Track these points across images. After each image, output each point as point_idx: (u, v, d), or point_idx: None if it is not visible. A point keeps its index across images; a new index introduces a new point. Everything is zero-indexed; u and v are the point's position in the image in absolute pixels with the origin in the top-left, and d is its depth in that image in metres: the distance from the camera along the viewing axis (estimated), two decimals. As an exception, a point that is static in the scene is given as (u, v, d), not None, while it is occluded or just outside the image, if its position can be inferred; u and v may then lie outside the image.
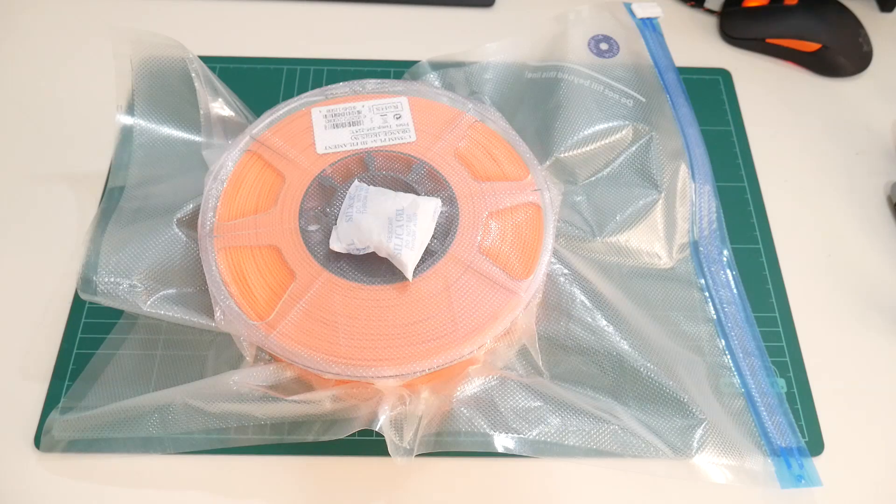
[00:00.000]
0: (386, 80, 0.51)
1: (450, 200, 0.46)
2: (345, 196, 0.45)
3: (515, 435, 0.43)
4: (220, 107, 0.51)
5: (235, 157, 0.48)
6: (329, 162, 0.47)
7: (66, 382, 0.46)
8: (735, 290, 0.49)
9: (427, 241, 0.44)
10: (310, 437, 0.43)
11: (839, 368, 0.48)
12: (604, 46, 0.56)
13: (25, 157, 0.55)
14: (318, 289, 0.43)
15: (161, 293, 0.44)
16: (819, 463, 0.45)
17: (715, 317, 0.48)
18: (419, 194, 0.46)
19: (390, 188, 0.46)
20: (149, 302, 0.44)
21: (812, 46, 0.61)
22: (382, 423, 0.41)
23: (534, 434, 0.43)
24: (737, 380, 0.46)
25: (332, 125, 0.49)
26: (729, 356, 0.47)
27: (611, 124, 0.52)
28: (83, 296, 0.44)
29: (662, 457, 0.43)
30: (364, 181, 0.47)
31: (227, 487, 0.43)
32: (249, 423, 0.44)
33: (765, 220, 0.54)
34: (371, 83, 0.51)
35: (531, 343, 0.44)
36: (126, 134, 0.50)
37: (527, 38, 0.57)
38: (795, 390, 0.47)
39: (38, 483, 0.43)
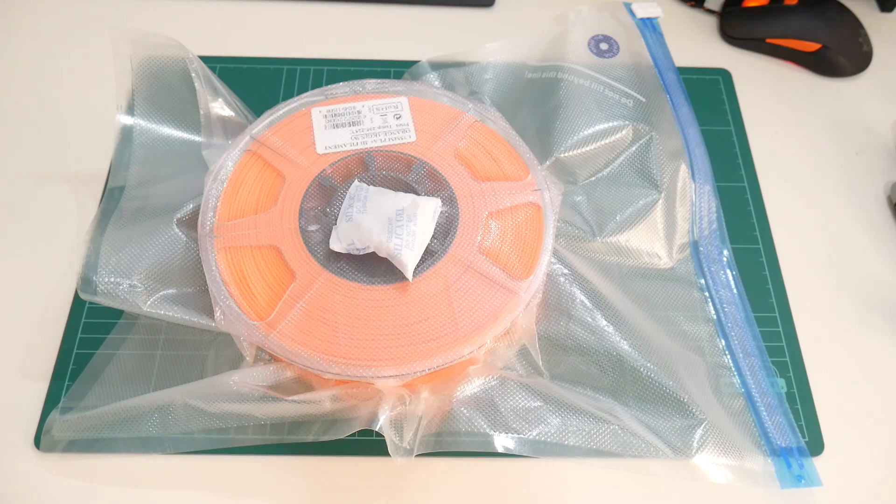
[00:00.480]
0: (386, 80, 0.51)
1: (450, 200, 0.46)
2: (345, 196, 0.45)
3: (515, 435, 0.43)
4: (220, 107, 0.51)
5: (235, 157, 0.48)
6: (329, 162, 0.47)
7: (66, 382, 0.46)
8: (735, 290, 0.49)
9: (427, 241, 0.44)
10: (310, 437, 0.43)
11: (839, 368, 0.48)
12: (604, 46, 0.56)
13: (25, 157, 0.55)
14: (318, 289, 0.43)
15: (161, 293, 0.44)
16: (819, 463, 0.45)
17: (715, 317, 0.48)
18: (419, 194, 0.46)
19: (390, 188, 0.46)
20: (149, 302, 0.44)
21: (812, 46, 0.61)
22: (382, 423, 0.41)
23: (534, 434, 0.43)
24: (737, 380, 0.46)
25: (332, 125, 0.49)
26: (729, 356, 0.47)
27: (611, 124, 0.52)
28: (83, 296, 0.44)
29: (662, 457, 0.43)
30: (364, 181, 0.47)
31: (227, 487, 0.43)
32: (249, 423, 0.44)
33: (765, 220, 0.54)
34: (371, 83, 0.51)
35: (531, 343, 0.44)
36: (126, 134, 0.50)
37: (527, 38, 0.57)
38: (795, 390, 0.47)
39: (38, 483, 0.43)
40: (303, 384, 0.43)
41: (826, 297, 0.51)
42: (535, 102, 0.54)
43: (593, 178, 0.51)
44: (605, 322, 0.46)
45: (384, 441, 0.41)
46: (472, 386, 0.44)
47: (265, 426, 0.44)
